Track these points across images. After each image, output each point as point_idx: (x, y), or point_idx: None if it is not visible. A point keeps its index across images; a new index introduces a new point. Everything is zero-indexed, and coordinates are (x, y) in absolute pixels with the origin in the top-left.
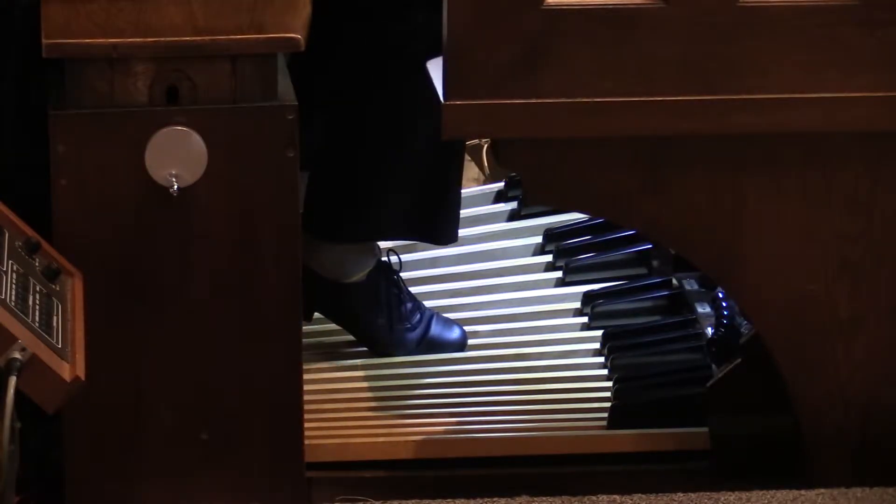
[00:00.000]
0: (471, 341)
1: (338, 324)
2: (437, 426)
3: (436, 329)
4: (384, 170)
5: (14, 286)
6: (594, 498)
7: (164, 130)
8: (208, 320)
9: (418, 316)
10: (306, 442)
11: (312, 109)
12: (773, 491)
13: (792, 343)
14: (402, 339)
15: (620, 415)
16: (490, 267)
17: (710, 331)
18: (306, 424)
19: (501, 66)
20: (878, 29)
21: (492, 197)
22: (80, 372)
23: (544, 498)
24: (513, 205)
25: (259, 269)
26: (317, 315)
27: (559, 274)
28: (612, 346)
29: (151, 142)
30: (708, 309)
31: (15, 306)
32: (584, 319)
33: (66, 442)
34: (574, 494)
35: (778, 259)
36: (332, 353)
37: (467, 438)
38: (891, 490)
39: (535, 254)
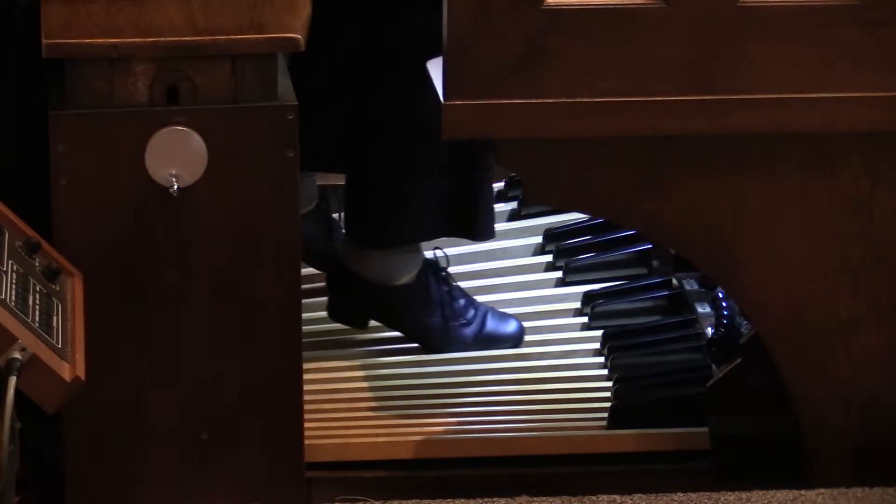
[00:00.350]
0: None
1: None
2: (437, 426)
3: (491, 323)
4: (408, 171)
5: (14, 286)
6: (594, 498)
7: (164, 130)
8: (208, 320)
9: (473, 311)
10: (306, 442)
11: (312, 109)
12: (773, 491)
13: (792, 343)
14: (458, 335)
15: (620, 415)
16: (490, 267)
17: (710, 331)
18: (306, 424)
19: (501, 66)
20: (878, 29)
21: None
22: (80, 372)
23: (544, 498)
24: (513, 205)
25: (259, 269)
26: (317, 315)
27: (559, 274)
28: (612, 346)
29: (151, 142)
30: (708, 309)
31: (15, 306)
32: (584, 319)
33: (66, 442)
34: (574, 494)
35: (778, 259)
36: (332, 352)
37: (467, 438)
38: (891, 490)
39: (535, 254)
